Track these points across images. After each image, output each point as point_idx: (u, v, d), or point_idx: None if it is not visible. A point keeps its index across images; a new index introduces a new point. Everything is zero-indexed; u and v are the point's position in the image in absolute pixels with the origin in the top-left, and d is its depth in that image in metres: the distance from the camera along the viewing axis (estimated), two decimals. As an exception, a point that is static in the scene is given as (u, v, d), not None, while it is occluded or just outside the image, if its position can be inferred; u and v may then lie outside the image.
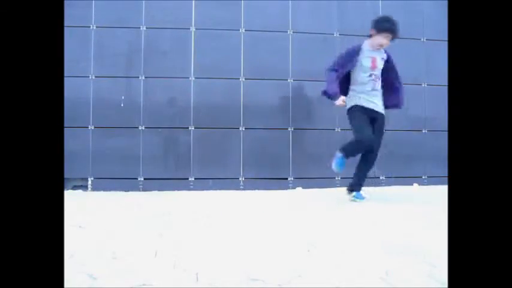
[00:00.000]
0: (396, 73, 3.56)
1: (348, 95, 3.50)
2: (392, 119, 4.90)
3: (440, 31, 4.73)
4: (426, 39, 4.93)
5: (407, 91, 5.07)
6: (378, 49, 3.43)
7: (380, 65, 3.43)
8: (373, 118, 3.42)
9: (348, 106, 3.50)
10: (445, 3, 3.65)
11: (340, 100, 3.51)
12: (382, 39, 3.34)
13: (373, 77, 3.42)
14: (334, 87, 3.37)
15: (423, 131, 4.91)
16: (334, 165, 3.36)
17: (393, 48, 4.89)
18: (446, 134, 4.44)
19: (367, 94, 3.41)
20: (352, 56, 3.41)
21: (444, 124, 4.61)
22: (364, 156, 3.43)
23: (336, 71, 3.43)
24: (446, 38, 3.42)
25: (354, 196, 3.46)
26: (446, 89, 4.59)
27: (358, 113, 3.40)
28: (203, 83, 4.54)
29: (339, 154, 3.35)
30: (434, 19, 4.88)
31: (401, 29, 5.00)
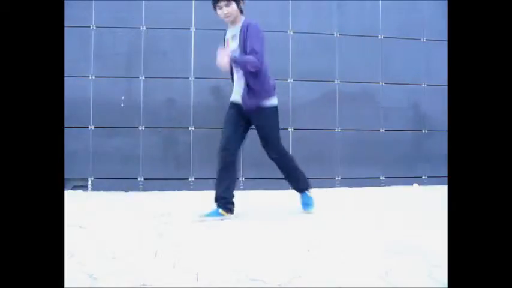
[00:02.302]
0: (250, 45, 2.59)
1: None
2: (393, 119, 4.92)
3: (440, 31, 4.74)
4: (426, 39, 4.92)
5: (408, 91, 5.12)
6: (231, 26, 2.74)
7: (233, 45, 2.70)
8: (244, 115, 2.77)
9: None
10: (445, 3, 3.66)
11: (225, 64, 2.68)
12: (219, 13, 2.67)
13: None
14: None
15: (423, 131, 4.91)
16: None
17: (393, 48, 4.92)
18: (446, 134, 4.45)
19: (236, 84, 2.79)
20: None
21: (444, 124, 4.62)
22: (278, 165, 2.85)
23: None
24: (446, 38, 3.43)
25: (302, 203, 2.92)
26: (446, 89, 4.60)
27: (229, 107, 2.84)
28: (203, 83, 4.54)
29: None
30: (434, 19, 4.88)
31: (401, 29, 5.03)
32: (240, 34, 2.65)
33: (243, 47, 2.62)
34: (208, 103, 4.56)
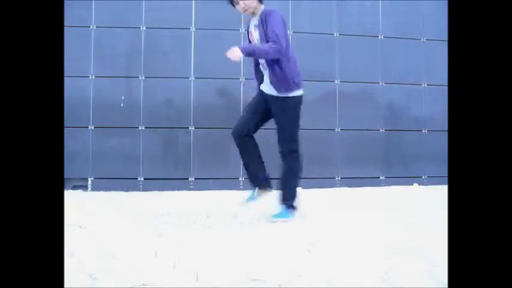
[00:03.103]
0: (270, 30, 2.53)
1: None
2: (393, 119, 4.92)
3: (440, 31, 4.73)
4: (426, 39, 4.92)
5: (408, 91, 5.13)
6: (253, 17, 2.68)
7: (256, 35, 2.66)
8: (268, 104, 2.69)
9: None
10: (445, 3, 3.66)
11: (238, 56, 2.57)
12: (237, 8, 2.63)
13: None
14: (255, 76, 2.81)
15: (423, 131, 4.91)
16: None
17: (393, 48, 4.93)
18: (446, 134, 4.45)
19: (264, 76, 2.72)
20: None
21: (444, 124, 4.62)
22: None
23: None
24: (446, 38, 3.42)
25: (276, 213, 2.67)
26: (446, 89, 4.60)
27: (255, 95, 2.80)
28: (203, 83, 4.54)
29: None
30: (434, 19, 4.87)
31: (401, 29, 5.03)
32: (260, 23, 2.59)
33: (265, 35, 2.56)
34: (208, 103, 4.56)
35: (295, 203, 2.66)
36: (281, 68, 2.56)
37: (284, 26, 2.58)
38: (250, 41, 2.73)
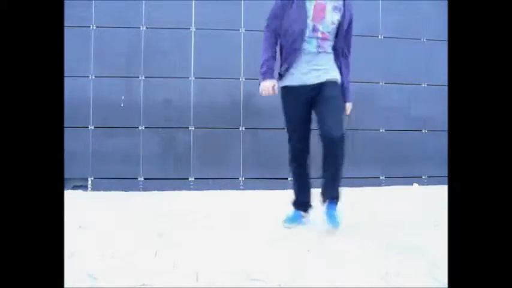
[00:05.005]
0: (350, 39, 2.41)
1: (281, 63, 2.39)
2: (393, 119, 4.92)
3: (440, 31, 4.73)
4: (426, 39, 4.92)
5: (408, 91, 5.12)
6: None
7: (331, 16, 2.27)
8: (315, 96, 2.32)
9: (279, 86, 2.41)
10: (445, 3, 3.66)
11: (270, 87, 2.32)
12: None
13: (318, 33, 2.27)
14: (269, 59, 2.33)
15: (423, 131, 4.91)
16: (284, 221, 2.48)
17: (393, 48, 4.92)
18: (446, 134, 4.45)
19: (307, 62, 2.31)
20: None
21: (444, 124, 4.62)
22: (323, 149, 2.42)
23: (269, 28, 2.39)
24: (446, 38, 3.42)
25: (326, 216, 2.38)
26: (446, 89, 4.59)
27: (288, 100, 2.39)
28: (203, 83, 4.54)
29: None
30: (434, 19, 4.87)
31: (401, 29, 5.03)
32: (344, 8, 2.29)
33: (345, 29, 2.32)
34: (208, 103, 4.56)
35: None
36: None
37: None
38: (315, 13, 2.24)
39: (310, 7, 2.25)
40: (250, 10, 4.58)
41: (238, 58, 4.53)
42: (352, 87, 2.56)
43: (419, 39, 4.92)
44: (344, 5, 2.31)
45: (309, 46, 2.29)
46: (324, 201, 2.42)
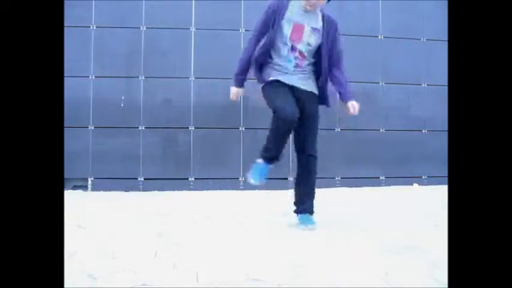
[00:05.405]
0: (338, 54, 2.47)
1: (265, 70, 2.45)
2: (393, 119, 4.92)
3: (440, 31, 4.73)
4: (426, 39, 4.92)
5: (407, 91, 5.12)
6: (310, 10, 2.30)
7: (309, 37, 2.33)
8: (297, 98, 2.40)
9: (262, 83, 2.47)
10: (445, 3, 3.66)
11: (234, 94, 2.56)
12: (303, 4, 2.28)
13: (296, 53, 2.34)
14: (241, 73, 2.50)
15: (423, 131, 4.91)
16: (250, 175, 2.50)
17: (393, 48, 4.92)
18: (446, 134, 4.45)
19: (291, 74, 2.39)
20: (273, 14, 2.31)
21: (444, 124, 4.62)
22: (299, 163, 2.60)
23: (251, 42, 2.46)
24: (446, 38, 3.42)
25: (299, 221, 2.45)
26: (446, 89, 4.60)
27: (275, 85, 2.39)
28: (203, 83, 4.54)
29: (257, 161, 2.50)
30: (434, 19, 4.87)
31: (401, 29, 5.03)
32: (322, 29, 2.35)
33: (328, 50, 2.40)
34: (208, 103, 4.56)
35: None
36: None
37: None
38: (294, 34, 2.32)
39: (289, 27, 2.32)
40: (250, 10, 4.58)
41: (238, 58, 4.52)
42: (352, 87, 2.59)
43: (419, 39, 4.92)
44: (323, 26, 2.36)
45: (288, 64, 2.39)
46: (300, 213, 2.50)
